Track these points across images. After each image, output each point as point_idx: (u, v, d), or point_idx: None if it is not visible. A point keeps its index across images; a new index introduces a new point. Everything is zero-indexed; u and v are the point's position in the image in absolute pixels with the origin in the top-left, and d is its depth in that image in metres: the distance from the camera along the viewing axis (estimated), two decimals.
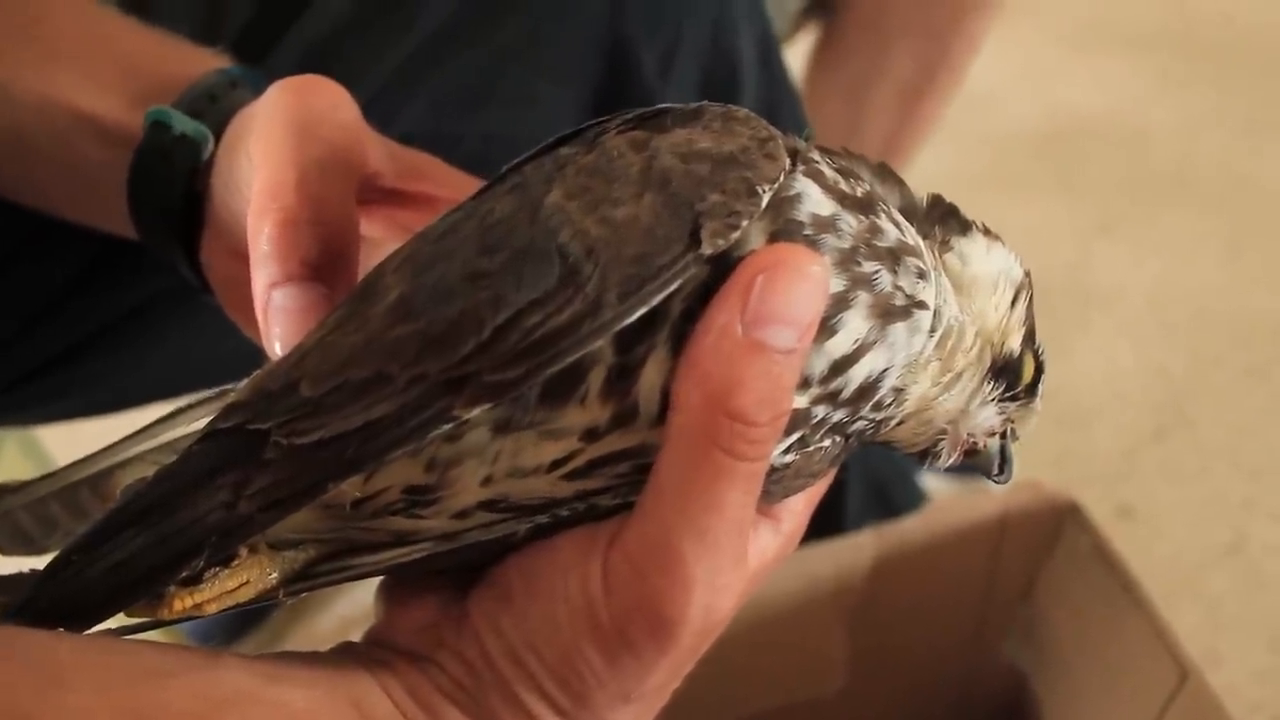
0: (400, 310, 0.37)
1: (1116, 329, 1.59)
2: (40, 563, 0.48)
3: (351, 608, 1.30)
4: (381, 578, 0.43)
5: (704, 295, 0.36)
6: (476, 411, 0.35)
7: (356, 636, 0.43)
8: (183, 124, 0.54)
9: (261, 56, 0.64)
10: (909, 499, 0.98)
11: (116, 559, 0.37)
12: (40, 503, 0.48)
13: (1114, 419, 1.45)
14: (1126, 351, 1.56)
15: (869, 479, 0.93)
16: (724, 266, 0.35)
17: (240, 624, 1.21)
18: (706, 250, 0.34)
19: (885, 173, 0.42)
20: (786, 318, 0.35)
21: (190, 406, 0.46)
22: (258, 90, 0.53)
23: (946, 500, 1.22)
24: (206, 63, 0.57)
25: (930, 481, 1.29)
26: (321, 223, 0.45)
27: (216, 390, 0.45)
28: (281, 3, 0.67)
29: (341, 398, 0.36)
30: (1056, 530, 0.85)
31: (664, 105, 0.40)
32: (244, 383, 0.40)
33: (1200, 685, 0.72)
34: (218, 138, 0.54)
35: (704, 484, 0.35)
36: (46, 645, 0.34)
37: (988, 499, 0.87)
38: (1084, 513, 0.84)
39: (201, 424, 0.44)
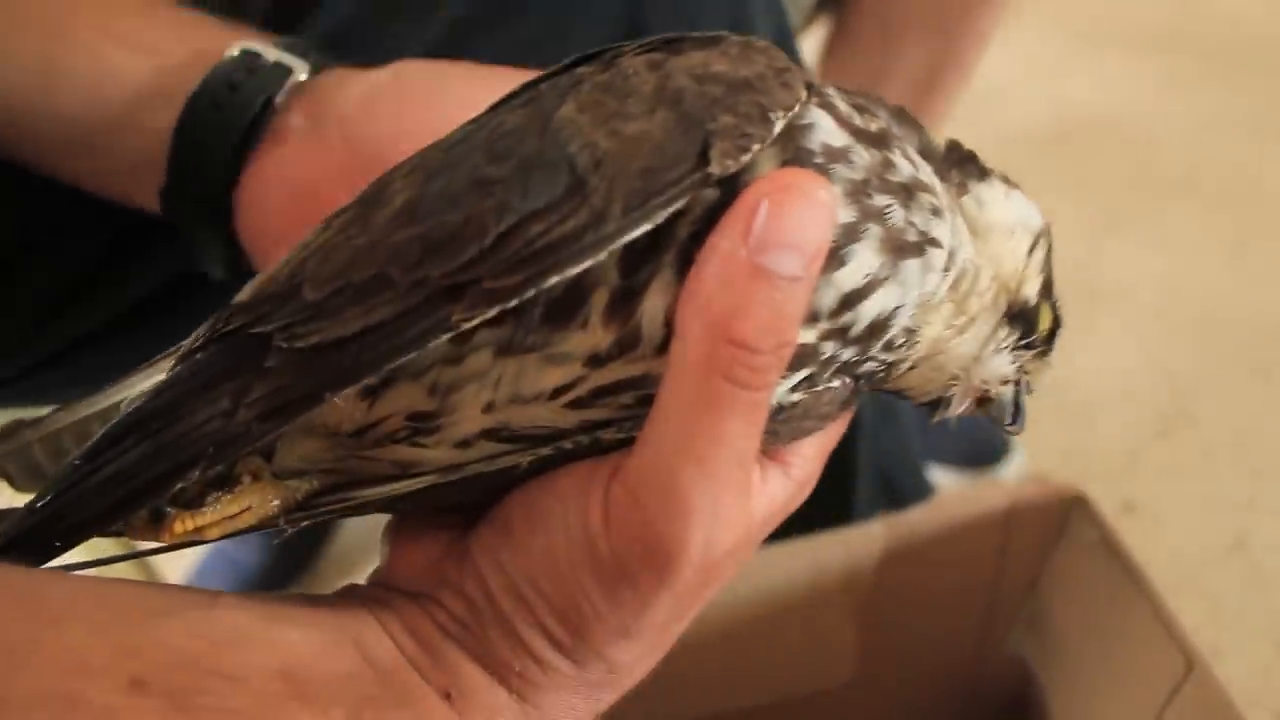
0: (405, 214, 0.36)
1: (1123, 327, 1.60)
2: None
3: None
4: (388, 520, 0.43)
5: (712, 219, 0.35)
6: (476, 321, 0.34)
7: None
8: (279, 55, 0.55)
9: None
10: (916, 491, 0.99)
11: (115, 469, 0.37)
12: (53, 436, 0.48)
13: (1119, 416, 1.46)
14: (1132, 350, 1.57)
15: (877, 471, 0.93)
16: (734, 191, 0.34)
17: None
18: (715, 170, 0.34)
19: (903, 115, 0.41)
20: (792, 243, 0.34)
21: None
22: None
23: (955, 492, 1.23)
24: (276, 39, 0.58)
25: (938, 475, 1.30)
26: None
27: None
28: None
29: (342, 301, 0.35)
30: (1063, 522, 0.86)
31: (682, 34, 0.39)
32: (245, 287, 0.40)
33: (1206, 675, 0.73)
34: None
35: (705, 412, 0.34)
36: (42, 584, 0.34)
37: (996, 491, 0.87)
38: (1091, 505, 0.84)
39: None
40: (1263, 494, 1.35)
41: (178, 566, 1.25)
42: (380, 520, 0.43)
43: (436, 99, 0.52)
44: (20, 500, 0.45)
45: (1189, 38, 2.35)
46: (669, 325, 0.35)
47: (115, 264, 0.67)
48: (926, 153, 0.41)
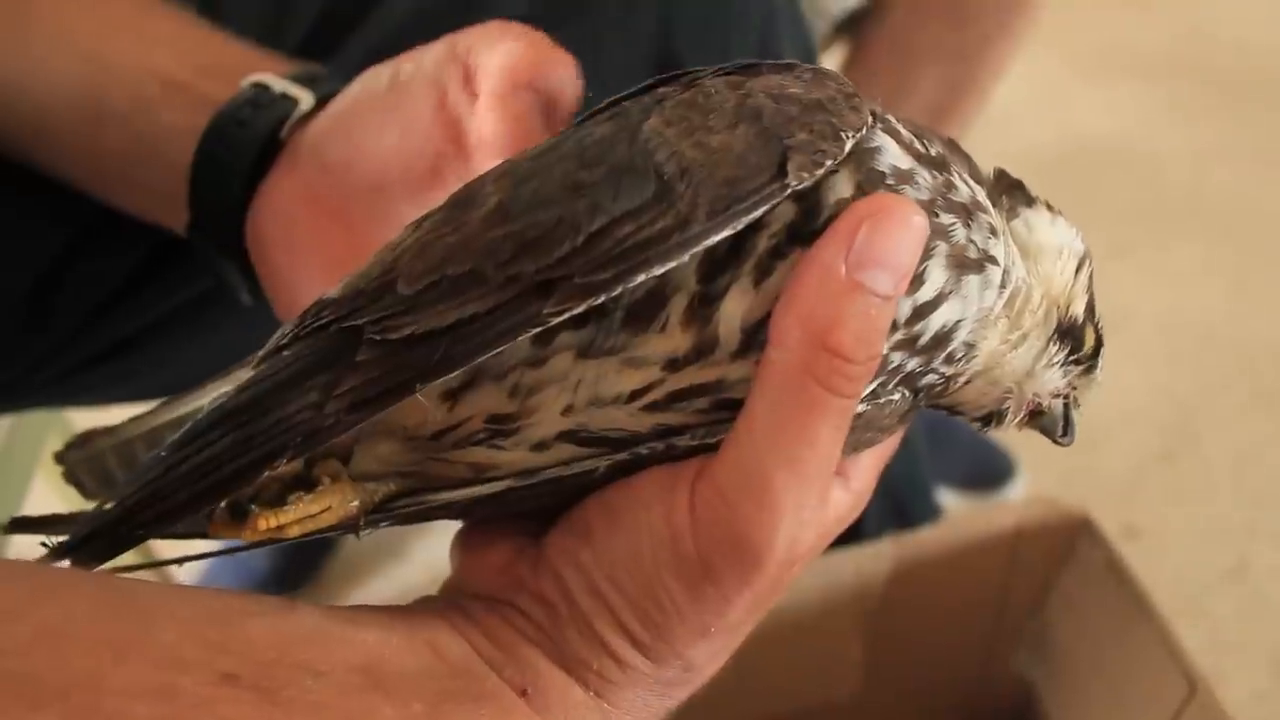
0: (499, 215, 0.38)
1: (1126, 353, 1.61)
2: None
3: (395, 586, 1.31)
4: (456, 531, 0.44)
5: (790, 234, 0.37)
6: (564, 316, 0.36)
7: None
8: (286, 86, 0.56)
9: (324, 61, 0.66)
10: (925, 512, 1.00)
11: (203, 457, 0.38)
12: (126, 445, 0.50)
13: (1122, 441, 1.47)
14: (1135, 375, 1.58)
15: (887, 492, 0.95)
16: (811, 208, 0.37)
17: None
18: (792, 182, 0.36)
19: (954, 145, 0.43)
20: (888, 263, 0.36)
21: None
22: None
23: (963, 512, 1.24)
24: (301, 65, 0.59)
25: (945, 497, 1.31)
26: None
27: None
28: (346, 7, 0.69)
29: (437, 295, 0.37)
30: (1070, 544, 0.87)
31: (757, 60, 0.41)
32: (336, 285, 0.41)
33: (1209, 698, 0.74)
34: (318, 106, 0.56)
35: (799, 416, 0.36)
36: (133, 586, 0.35)
37: (1003, 512, 0.88)
38: (1097, 528, 0.85)
39: None
40: (1264, 520, 1.36)
41: (189, 567, 1.26)
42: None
43: (375, 113, 0.53)
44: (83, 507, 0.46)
45: (1193, 66, 2.37)
46: (744, 331, 0.37)
47: (154, 274, 0.68)
48: (977, 179, 0.43)
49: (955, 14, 1.14)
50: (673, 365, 0.38)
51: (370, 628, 0.37)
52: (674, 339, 0.37)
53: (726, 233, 0.36)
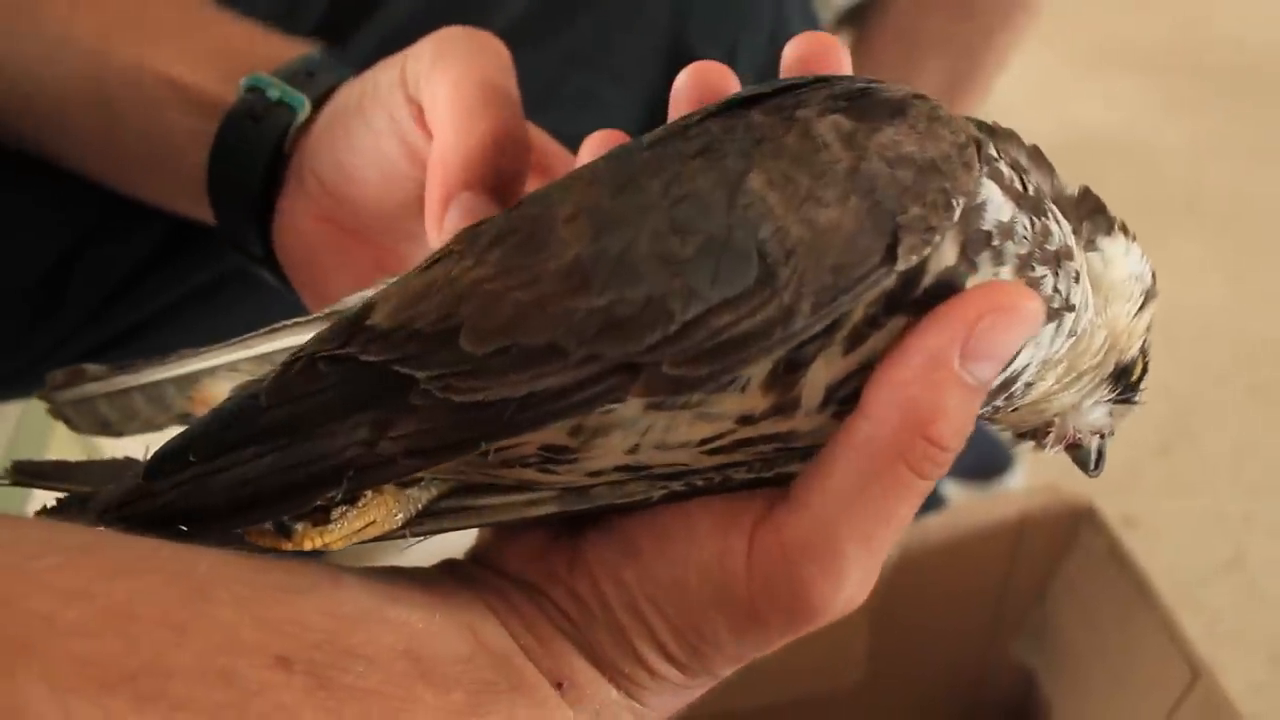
0: (578, 276, 0.35)
1: None
2: (116, 446, 0.48)
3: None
4: None
5: (888, 304, 0.35)
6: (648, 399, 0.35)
7: None
8: (280, 90, 0.55)
9: (336, 49, 0.66)
10: (928, 502, 1.00)
11: (243, 475, 0.37)
12: (123, 395, 0.48)
13: (1119, 432, 1.47)
14: None
15: None
16: (912, 277, 0.35)
17: None
18: (901, 266, 0.34)
19: (1037, 156, 0.41)
20: (999, 355, 0.35)
21: (286, 326, 0.45)
22: (353, 74, 0.54)
23: (968, 501, 1.24)
24: (299, 48, 0.59)
25: (945, 486, 1.32)
26: (505, 172, 0.46)
27: (312, 317, 0.45)
28: (354, 0, 0.69)
29: (507, 362, 0.35)
30: (1073, 533, 0.87)
31: (867, 85, 0.38)
32: (375, 300, 0.39)
33: (1211, 685, 0.75)
34: (315, 109, 0.55)
35: (883, 495, 0.35)
36: (187, 559, 0.35)
37: (1007, 501, 0.89)
38: (1100, 516, 0.86)
39: (298, 339, 0.43)
40: (1260, 511, 1.37)
41: None
42: None
43: (348, 135, 0.52)
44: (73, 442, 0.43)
45: (1190, 61, 2.37)
46: (827, 392, 0.36)
47: (166, 260, 0.68)
48: (1059, 199, 0.41)
49: (959, 6, 1.14)
50: (747, 420, 0.36)
51: (414, 608, 0.37)
52: (753, 399, 0.36)
53: (829, 321, 0.34)
